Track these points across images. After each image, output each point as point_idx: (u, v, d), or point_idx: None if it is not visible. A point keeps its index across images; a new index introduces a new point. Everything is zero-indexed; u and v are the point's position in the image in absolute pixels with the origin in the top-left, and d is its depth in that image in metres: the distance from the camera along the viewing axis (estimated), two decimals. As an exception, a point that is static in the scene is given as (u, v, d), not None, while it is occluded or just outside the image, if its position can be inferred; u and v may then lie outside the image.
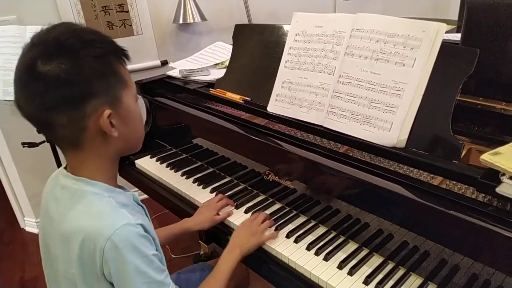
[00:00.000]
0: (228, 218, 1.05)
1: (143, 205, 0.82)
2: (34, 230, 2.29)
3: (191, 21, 2.11)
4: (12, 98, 1.60)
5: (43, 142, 1.72)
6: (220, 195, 1.12)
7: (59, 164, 1.82)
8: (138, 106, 0.77)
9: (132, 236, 0.67)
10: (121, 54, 0.72)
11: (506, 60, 0.92)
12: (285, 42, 1.11)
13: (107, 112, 0.68)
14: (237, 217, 1.05)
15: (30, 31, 1.53)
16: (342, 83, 0.95)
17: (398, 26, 0.88)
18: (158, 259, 0.72)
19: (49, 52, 0.65)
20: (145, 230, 0.71)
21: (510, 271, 0.68)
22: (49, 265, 0.82)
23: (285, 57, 1.11)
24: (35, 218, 2.27)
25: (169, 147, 1.47)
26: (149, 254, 0.69)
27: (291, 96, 1.07)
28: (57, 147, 1.75)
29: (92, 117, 0.68)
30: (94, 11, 1.96)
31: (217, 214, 1.06)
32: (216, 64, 1.59)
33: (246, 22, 2.28)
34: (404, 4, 2.83)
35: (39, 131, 0.73)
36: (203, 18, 2.13)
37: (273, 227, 0.99)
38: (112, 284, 0.70)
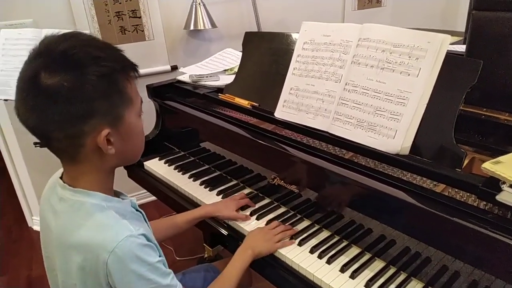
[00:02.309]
0: (236, 222, 1.08)
1: (141, 210, 0.82)
2: (42, 229, 2.33)
3: (202, 27, 2.15)
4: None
5: (54, 142, 1.76)
6: (242, 194, 1.16)
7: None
8: (141, 121, 0.76)
9: (135, 248, 0.67)
10: (130, 70, 0.71)
11: (510, 72, 0.94)
12: (293, 50, 1.14)
13: (105, 131, 0.68)
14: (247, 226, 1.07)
15: (45, 34, 1.57)
16: (348, 90, 0.98)
17: (404, 37, 0.91)
18: (163, 264, 0.72)
19: (54, 65, 0.64)
20: (148, 239, 0.71)
21: (510, 278, 0.69)
22: (51, 270, 0.82)
23: (293, 64, 1.14)
24: (43, 217, 2.30)
25: (177, 150, 1.50)
26: (153, 262, 0.69)
27: (298, 102, 1.10)
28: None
29: (90, 135, 0.67)
30: (108, 16, 2.01)
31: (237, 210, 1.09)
32: (225, 70, 1.62)
33: (256, 29, 2.32)
34: (412, 15, 2.86)
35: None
36: (213, 25, 2.18)
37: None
38: None
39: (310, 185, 1.02)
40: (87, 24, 1.98)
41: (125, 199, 0.78)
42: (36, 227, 2.35)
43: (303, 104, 1.08)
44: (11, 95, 1.62)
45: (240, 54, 1.69)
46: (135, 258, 0.67)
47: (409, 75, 0.89)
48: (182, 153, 1.48)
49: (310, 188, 1.02)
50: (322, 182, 0.99)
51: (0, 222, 2.45)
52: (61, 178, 0.75)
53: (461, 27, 1.72)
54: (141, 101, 0.76)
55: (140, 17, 2.10)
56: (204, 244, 1.81)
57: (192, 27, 2.16)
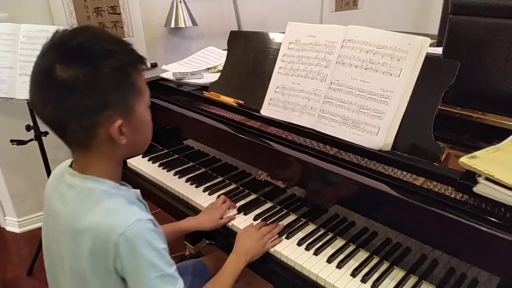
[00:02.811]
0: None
1: (145, 202, 0.84)
2: (15, 230, 2.26)
3: (183, 25, 2.15)
4: (2, 95, 1.60)
5: (31, 140, 1.72)
6: (222, 197, 1.13)
7: (46, 164, 1.82)
8: (149, 113, 0.79)
9: (144, 231, 0.70)
10: (139, 63, 0.74)
11: (483, 73, 1.01)
12: (278, 49, 1.17)
13: (119, 122, 0.70)
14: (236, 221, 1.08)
15: (24, 29, 1.54)
16: (334, 89, 1.02)
17: (387, 39, 0.96)
18: (167, 253, 0.74)
19: (69, 58, 0.66)
20: (155, 225, 0.74)
21: (485, 264, 0.75)
22: (50, 260, 0.84)
23: (278, 63, 1.17)
24: (17, 218, 2.23)
25: (161, 148, 1.50)
26: (160, 248, 0.72)
27: (284, 100, 1.13)
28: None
29: (104, 125, 0.70)
30: (87, 12, 1.98)
31: (221, 217, 1.07)
32: (208, 68, 1.63)
33: (236, 29, 2.34)
34: (386, 18, 2.96)
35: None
36: (194, 23, 2.18)
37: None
38: (122, 279, 0.72)
39: (296, 181, 1.05)
40: (65, 19, 1.94)
41: (130, 189, 0.80)
42: (10, 228, 2.28)
43: (289, 102, 1.12)
44: (-13, 90, 1.57)
45: (223, 52, 1.72)
46: (144, 242, 0.69)
47: (391, 75, 0.94)
48: (166, 150, 1.48)
49: (296, 183, 1.05)
50: (308, 177, 1.03)
51: (-30, 224, 2.36)
52: (70, 166, 0.77)
53: (433, 30, 1.81)
54: (149, 94, 0.78)
55: (119, 14, 2.08)
56: (185, 242, 1.82)
57: (172, 25, 2.16)
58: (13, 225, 2.26)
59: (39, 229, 2.25)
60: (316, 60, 1.08)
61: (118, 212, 0.71)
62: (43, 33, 1.54)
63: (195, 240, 1.76)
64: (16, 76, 1.55)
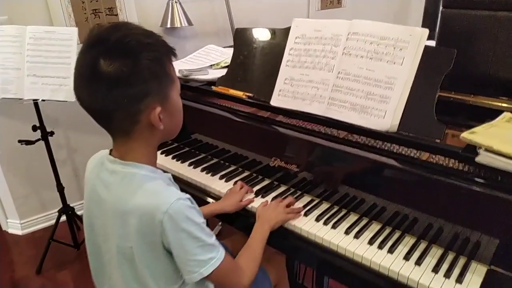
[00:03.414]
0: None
1: (176, 184, 0.90)
2: (18, 232, 2.27)
3: (179, 25, 2.21)
4: (11, 96, 1.64)
5: (39, 140, 1.75)
6: (240, 183, 1.21)
7: (53, 163, 1.85)
8: (180, 100, 0.86)
9: (185, 208, 0.77)
10: (171, 54, 0.80)
11: (474, 60, 1.12)
12: (283, 44, 1.26)
13: (158, 109, 0.77)
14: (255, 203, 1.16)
15: (30, 31, 1.58)
16: (341, 78, 1.12)
17: (389, 31, 1.06)
18: (206, 226, 0.82)
19: (112, 53, 0.71)
20: (192, 203, 0.81)
21: (487, 226, 0.86)
22: (92, 242, 0.90)
23: (286, 57, 1.26)
24: (20, 220, 2.24)
25: (170, 142, 1.56)
26: (200, 221, 0.79)
27: (294, 91, 1.22)
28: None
29: (145, 112, 0.76)
30: (85, 13, 2.02)
31: (241, 200, 1.15)
32: (211, 65, 1.71)
33: (229, 28, 2.41)
34: (369, 15, 3.09)
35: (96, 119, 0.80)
36: (189, 23, 2.25)
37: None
38: (168, 252, 0.79)
39: (309, 164, 1.14)
40: (64, 21, 1.97)
41: (164, 173, 0.87)
42: (12, 230, 2.28)
43: (299, 92, 1.21)
44: (-5, 92, 1.60)
45: (223, 50, 1.80)
46: (185, 218, 0.76)
47: (394, 63, 1.04)
48: (176, 144, 1.55)
49: (310, 166, 1.14)
50: (322, 159, 1.12)
51: (-30, 228, 2.35)
52: (110, 154, 0.84)
53: (412, 24, 1.94)
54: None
55: (116, 15, 2.12)
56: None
57: (168, 25, 2.21)
58: (15, 228, 2.27)
59: (42, 230, 2.30)
60: (323, 52, 1.17)
61: (160, 193, 0.78)
62: (50, 34, 1.57)
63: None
64: (24, 77, 1.58)
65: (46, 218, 2.30)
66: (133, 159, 0.81)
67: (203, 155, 1.45)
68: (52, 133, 1.77)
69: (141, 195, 0.78)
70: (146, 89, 0.75)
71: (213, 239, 0.82)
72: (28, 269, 1.99)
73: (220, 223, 2.14)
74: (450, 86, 1.18)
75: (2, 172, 2.10)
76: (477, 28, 1.10)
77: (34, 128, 1.72)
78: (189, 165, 1.39)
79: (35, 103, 1.67)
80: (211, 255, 0.80)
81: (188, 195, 0.81)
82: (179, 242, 0.77)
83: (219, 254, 0.82)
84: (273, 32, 1.36)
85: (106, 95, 0.73)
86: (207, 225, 0.85)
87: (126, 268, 0.82)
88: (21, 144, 1.71)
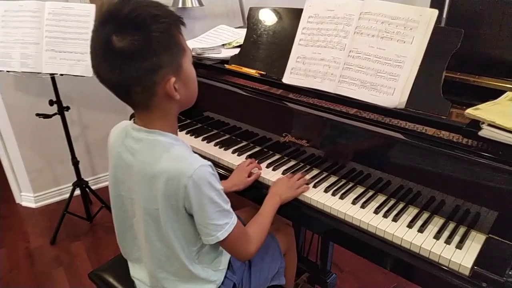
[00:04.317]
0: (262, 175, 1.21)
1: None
2: (31, 205, 2.35)
3: (190, 5, 2.25)
4: (29, 70, 1.69)
5: (55, 114, 1.81)
6: (249, 160, 1.26)
7: (68, 137, 1.91)
8: (193, 68, 0.87)
9: (208, 174, 0.82)
10: (180, 23, 0.80)
11: (480, 42, 1.16)
12: (296, 23, 1.30)
13: (173, 79, 0.79)
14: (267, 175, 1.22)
15: (49, 6, 1.62)
16: (353, 57, 1.16)
17: (400, 11, 1.10)
18: (223, 192, 0.87)
19: (123, 29, 0.73)
20: (213, 170, 0.86)
21: (486, 199, 0.91)
22: (119, 207, 0.96)
23: (299, 36, 1.30)
24: (33, 193, 2.32)
25: (184, 118, 1.62)
26: (219, 188, 0.85)
27: (306, 69, 1.27)
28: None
29: (161, 84, 0.78)
30: (99, -8, 2.05)
31: (248, 176, 1.19)
32: (223, 44, 1.75)
33: (239, 9, 2.44)
34: None
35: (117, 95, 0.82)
36: (200, 3, 2.28)
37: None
38: (189, 215, 0.85)
39: (319, 139, 1.20)
40: (78, -1, 2.01)
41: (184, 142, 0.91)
42: (25, 203, 2.36)
43: (310, 70, 1.25)
44: (13, 66, 1.66)
45: (235, 30, 1.83)
46: (208, 183, 0.81)
47: (404, 42, 1.08)
48: (189, 120, 1.60)
49: (319, 141, 1.20)
50: (331, 134, 1.17)
51: (-15, 201, 2.44)
52: (134, 124, 0.87)
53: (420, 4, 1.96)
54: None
55: (129, -6, 2.15)
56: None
57: (180, 5, 2.25)
58: (28, 201, 2.35)
59: (56, 203, 2.38)
60: (335, 32, 1.21)
61: (185, 159, 0.83)
62: (67, 10, 1.62)
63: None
64: (42, 52, 1.63)
65: (58, 192, 2.38)
66: (157, 128, 0.85)
67: (215, 131, 1.50)
68: (68, 108, 1.83)
69: (167, 160, 0.82)
70: (158, 61, 0.76)
71: (228, 206, 0.87)
72: (43, 240, 2.07)
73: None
74: (456, 67, 1.22)
75: (17, 145, 2.16)
76: (484, 11, 1.14)
77: (51, 103, 1.78)
78: (203, 139, 1.44)
79: (52, 78, 1.72)
80: (226, 220, 0.86)
81: (210, 162, 0.85)
82: (200, 206, 0.82)
83: (232, 220, 0.87)
84: (286, 11, 1.39)
85: (121, 70, 0.75)
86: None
87: (153, 229, 0.88)
88: (39, 117, 1.77)
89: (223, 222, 0.85)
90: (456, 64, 1.22)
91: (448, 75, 1.24)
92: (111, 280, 1.15)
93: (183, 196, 0.81)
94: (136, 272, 1.01)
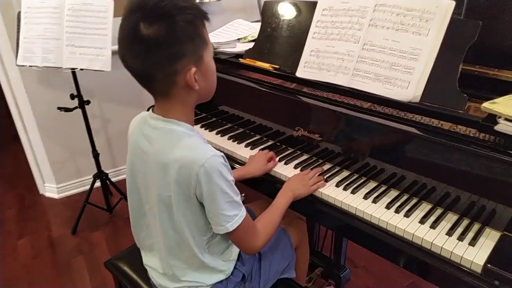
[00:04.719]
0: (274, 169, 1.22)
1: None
2: (54, 196, 2.43)
3: (207, 0, 2.25)
4: (50, 64, 1.74)
5: (76, 107, 1.86)
6: (265, 151, 1.26)
7: (89, 130, 1.96)
8: (213, 62, 0.90)
9: (219, 164, 0.83)
10: (204, 18, 0.83)
11: (499, 34, 1.13)
12: (310, 16, 1.29)
13: (193, 70, 0.81)
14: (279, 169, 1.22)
15: (69, 2, 1.66)
16: (367, 49, 1.14)
17: (416, 2, 1.07)
18: (234, 184, 0.88)
19: (150, 17, 0.76)
20: (225, 160, 0.87)
21: (503, 195, 0.88)
22: (134, 194, 0.98)
23: (312, 29, 1.29)
24: (56, 184, 2.40)
25: (199, 112, 1.63)
26: (230, 179, 0.86)
27: (319, 62, 1.25)
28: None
29: (181, 73, 0.81)
30: (118, -13, 2.08)
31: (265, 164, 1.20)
32: (239, 38, 1.75)
33: (256, 4, 2.44)
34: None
35: (141, 83, 0.85)
36: (218, -2, 2.29)
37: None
38: (200, 203, 0.87)
39: (332, 133, 1.19)
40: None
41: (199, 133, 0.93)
42: (48, 194, 2.44)
43: (324, 63, 1.24)
44: (35, 61, 1.71)
45: (251, 24, 1.83)
46: (219, 173, 0.83)
47: (420, 34, 1.06)
48: (204, 114, 1.62)
49: (332, 135, 1.19)
50: (345, 128, 1.16)
51: (12, 192, 2.53)
52: (152, 113, 0.90)
53: None
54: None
55: (148, -11, 2.18)
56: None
57: (198, 0, 2.26)
58: (51, 191, 2.43)
59: (78, 194, 2.45)
60: (349, 24, 1.20)
61: (198, 148, 0.84)
62: (87, 6, 1.65)
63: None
64: (62, 47, 1.67)
65: (80, 184, 2.45)
66: (173, 117, 0.87)
67: (229, 125, 1.51)
68: (88, 102, 1.88)
69: (180, 148, 0.84)
70: (181, 50, 0.79)
71: (238, 197, 0.88)
72: (64, 230, 2.14)
73: (243, 194, 2.22)
74: (474, 59, 1.19)
75: (40, 138, 2.24)
76: (504, 2, 1.10)
77: (72, 97, 1.83)
78: (217, 133, 1.46)
79: (73, 72, 1.77)
80: (236, 212, 0.87)
81: (222, 153, 0.87)
82: (211, 196, 0.84)
83: (241, 212, 0.88)
84: (301, 4, 1.38)
85: (146, 56, 0.78)
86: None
87: (166, 215, 0.90)
88: (60, 110, 1.82)
89: (233, 213, 0.86)
90: (475, 56, 1.19)
91: (466, 68, 1.21)
92: (125, 268, 1.19)
93: (194, 185, 0.83)
94: (149, 260, 1.04)
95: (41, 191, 2.47)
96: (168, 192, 0.87)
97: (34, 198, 2.43)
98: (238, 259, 1.02)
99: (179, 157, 0.83)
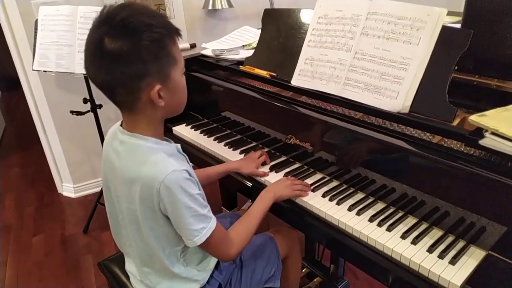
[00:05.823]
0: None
1: (184, 154, 0.96)
2: (71, 195, 2.53)
3: (220, 7, 2.29)
4: (63, 70, 1.81)
5: (88, 111, 1.93)
6: (260, 151, 1.28)
7: (101, 134, 2.03)
8: (184, 79, 0.88)
9: (180, 179, 0.82)
10: (175, 34, 0.82)
11: (499, 43, 1.07)
12: (308, 24, 1.28)
13: (157, 87, 0.80)
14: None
15: (81, 10, 1.73)
16: (358, 58, 1.12)
17: (407, 10, 1.04)
18: (201, 197, 0.87)
19: (115, 32, 0.75)
20: (190, 174, 0.86)
21: (489, 211, 0.84)
22: (109, 203, 1.00)
23: (308, 37, 1.28)
24: (73, 184, 2.50)
25: (201, 118, 1.66)
26: (193, 193, 0.84)
27: (313, 70, 1.24)
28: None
29: (145, 90, 0.80)
30: (133, -5, 2.15)
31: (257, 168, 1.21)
32: (243, 45, 1.76)
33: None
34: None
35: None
36: (230, 4, 2.31)
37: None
38: (166, 217, 0.87)
39: (323, 143, 1.17)
40: (115, 1, 2.12)
41: (172, 144, 0.93)
42: (66, 193, 2.55)
43: (317, 72, 1.23)
44: (49, 66, 1.79)
45: (257, 31, 1.84)
46: (180, 188, 0.82)
47: (410, 43, 1.03)
48: (205, 120, 1.64)
49: (323, 145, 1.17)
50: (335, 139, 1.14)
51: (33, 190, 2.66)
52: (121, 126, 0.90)
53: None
54: (184, 61, 0.88)
55: (162, -4, 2.24)
56: (222, 207, 1.99)
57: (210, 7, 2.30)
58: (69, 191, 2.53)
59: (93, 194, 2.54)
60: (342, 33, 1.18)
61: (159, 164, 0.83)
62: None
63: (231, 205, 1.93)
64: (75, 53, 1.75)
65: (96, 184, 2.54)
66: (139, 132, 0.86)
67: (228, 131, 1.53)
68: (100, 106, 1.94)
69: (144, 165, 0.84)
70: (145, 69, 0.77)
71: (206, 210, 0.87)
72: (77, 228, 2.22)
73: (250, 201, 2.23)
74: (474, 69, 1.15)
75: (58, 139, 2.34)
76: (504, 9, 1.05)
77: (85, 101, 1.90)
78: (214, 139, 1.47)
79: (85, 77, 1.84)
80: (203, 225, 0.86)
81: (185, 167, 0.85)
82: (175, 211, 0.84)
83: (210, 224, 0.87)
84: (298, 12, 1.38)
85: (107, 70, 0.77)
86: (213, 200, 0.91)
87: (135, 228, 0.91)
88: (72, 114, 1.90)
89: (200, 226, 0.85)
90: (474, 66, 1.15)
91: (466, 78, 1.17)
92: (116, 270, 1.22)
93: (157, 200, 0.83)
94: (129, 265, 1.06)
95: (59, 190, 2.57)
96: (134, 206, 0.87)
97: (52, 197, 2.54)
98: (216, 268, 1.02)
99: (142, 174, 0.83)
